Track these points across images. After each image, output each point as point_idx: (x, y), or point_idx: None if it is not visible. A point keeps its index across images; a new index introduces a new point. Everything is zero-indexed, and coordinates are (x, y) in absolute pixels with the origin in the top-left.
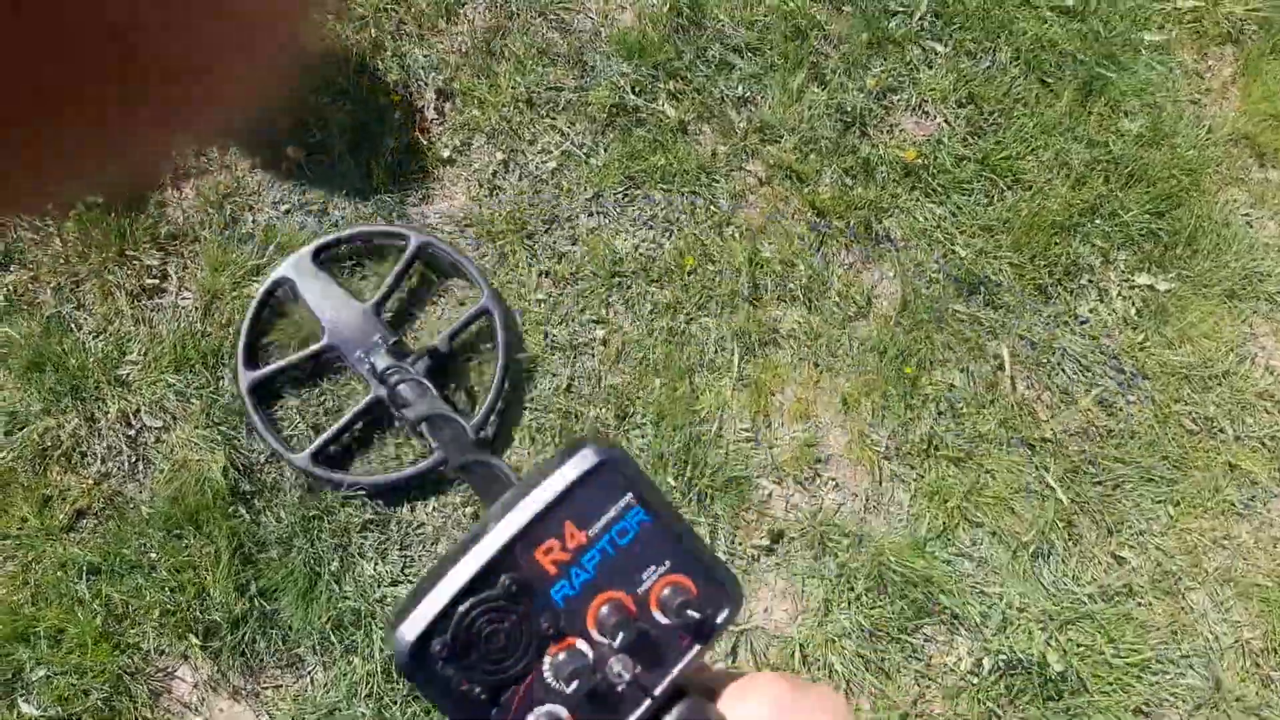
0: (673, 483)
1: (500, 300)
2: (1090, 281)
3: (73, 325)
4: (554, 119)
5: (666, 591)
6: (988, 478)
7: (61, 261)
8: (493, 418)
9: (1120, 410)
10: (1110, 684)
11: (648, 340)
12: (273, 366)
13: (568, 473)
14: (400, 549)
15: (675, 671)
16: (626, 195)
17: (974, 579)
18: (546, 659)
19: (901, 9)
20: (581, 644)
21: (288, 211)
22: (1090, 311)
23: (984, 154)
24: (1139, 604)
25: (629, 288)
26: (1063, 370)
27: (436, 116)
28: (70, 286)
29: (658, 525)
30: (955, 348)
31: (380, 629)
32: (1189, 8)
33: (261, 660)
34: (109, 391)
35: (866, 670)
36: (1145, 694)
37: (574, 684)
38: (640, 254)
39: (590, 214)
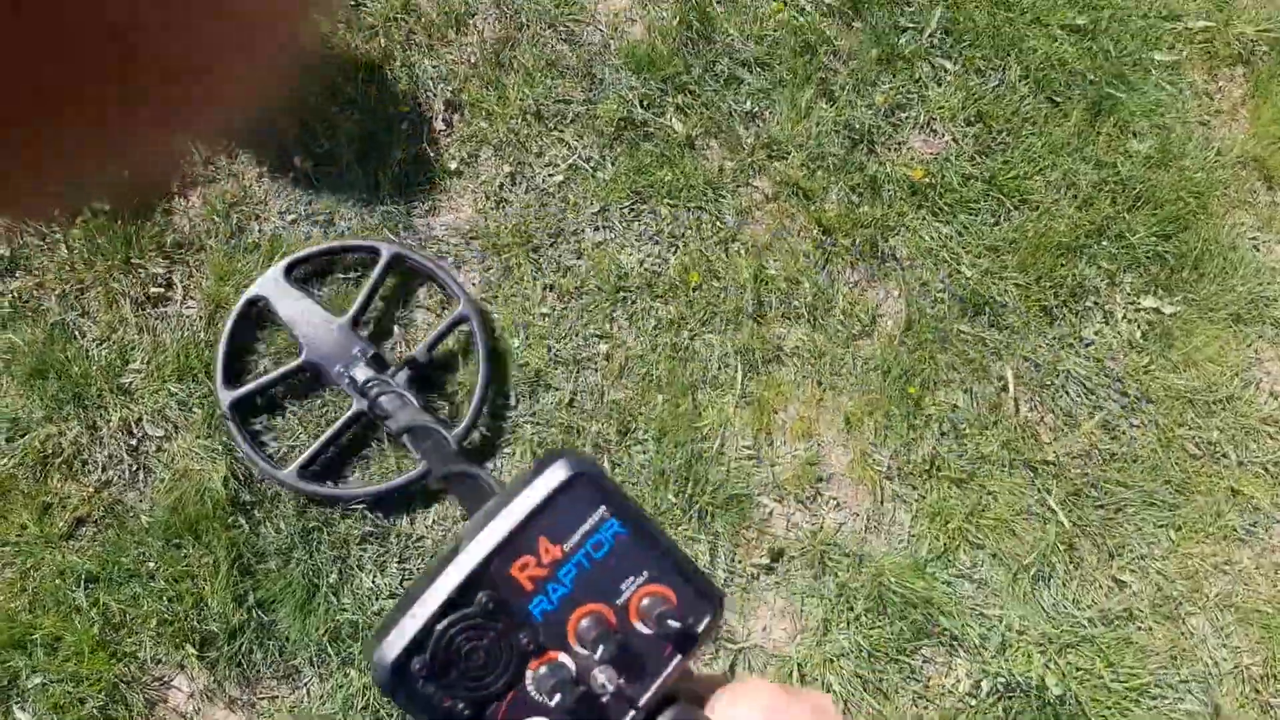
0: (674, 499)
1: (478, 307)
2: (1095, 304)
3: (77, 333)
4: (562, 132)
5: (645, 602)
6: (989, 499)
7: (67, 268)
8: (479, 426)
9: (1124, 434)
10: (1109, 708)
11: (651, 356)
12: (250, 386)
13: (540, 488)
14: (399, 562)
15: (659, 681)
16: (633, 210)
17: (974, 601)
18: (529, 673)
19: (912, 25)
20: (564, 657)
21: (294, 221)
22: (1095, 334)
23: (991, 173)
24: (1139, 628)
25: (633, 303)
26: (1066, 392)
27: (445, 128)
28: (75, 294)
29: (633, 536)
30: (959, 368)
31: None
32: (1200, 28)
33: (258, 671)
34: (111, 400)
35: (864, 691)
36: (1144, 719)
37: (557, 697)
38: (645, 269)
39: (596, 228)
